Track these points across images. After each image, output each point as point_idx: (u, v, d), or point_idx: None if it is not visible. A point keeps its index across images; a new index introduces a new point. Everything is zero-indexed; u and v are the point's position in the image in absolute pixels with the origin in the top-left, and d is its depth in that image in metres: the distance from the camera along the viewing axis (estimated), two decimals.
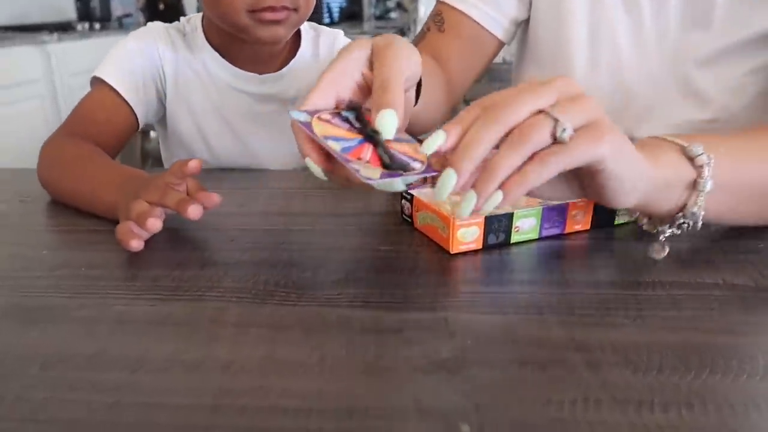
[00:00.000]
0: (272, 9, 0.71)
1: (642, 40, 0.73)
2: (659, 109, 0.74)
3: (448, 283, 0.47)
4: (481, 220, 0.52)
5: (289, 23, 0.74)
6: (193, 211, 0.51)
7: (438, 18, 0.79)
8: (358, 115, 0.47)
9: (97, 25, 3.29)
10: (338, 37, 0.90)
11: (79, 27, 3.20)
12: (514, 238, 0.54)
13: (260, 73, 0.83)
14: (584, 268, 0.49)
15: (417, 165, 0.44)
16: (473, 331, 0.40)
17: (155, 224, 0.50)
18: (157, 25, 0.83)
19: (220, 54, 0.83)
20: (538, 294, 0.45)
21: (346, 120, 0.46)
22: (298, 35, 0.87)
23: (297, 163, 0.85)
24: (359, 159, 0.43)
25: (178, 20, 0.86)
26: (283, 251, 0.53)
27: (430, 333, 0.40)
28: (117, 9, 3.52)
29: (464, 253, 0.52)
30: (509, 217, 0.53)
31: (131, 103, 0.77)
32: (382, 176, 0.42)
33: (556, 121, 0.39)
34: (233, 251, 0.53)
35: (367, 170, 0.42)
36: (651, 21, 0.72)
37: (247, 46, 0.79)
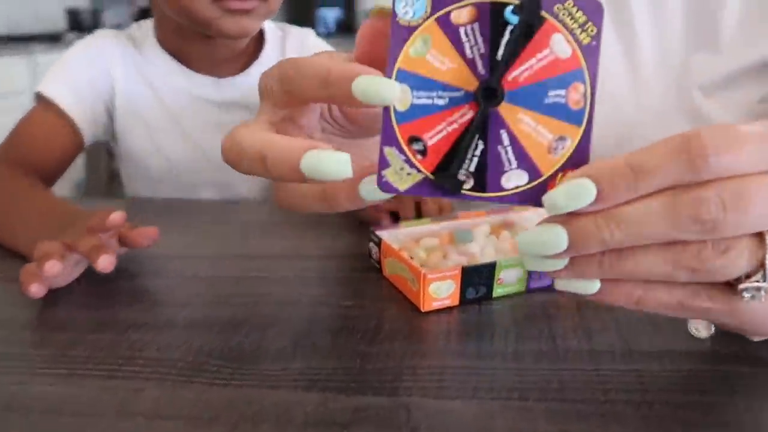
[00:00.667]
0: None
1: (640, 67, 0.66)
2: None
3: (415, 354, 0.39)
4: (457, 271, 0.44)
5: (257, 15, 0.68)
6: (103, 263, 0.44)
7: None
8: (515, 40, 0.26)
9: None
10: (308, 36, 0.82)
11: (69, 37, 3.14)
12: (497, 292, 0.46)
13: (220, 77, 0.75)
14: (580, 332, 0.41)
15: (519, 177, 0.27)
16: (440, 424, 0.32)
17: (53, 267, 0.42)
18: (105, 34, 0.76)
19: (176, 58, 0.75)
20: (522, 370, 0.37)
21: (474, 37, 0.27)
22: (261, 34, 0.79)
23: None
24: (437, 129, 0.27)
25: None
26: (227, 307, 0.45)
27: (386, 428, 0.32)
28: (108, 19, 3.46)
29: (438, 311, 0.44)
30: (491, 267, 0.45)
31: (76, 120, 0.70)
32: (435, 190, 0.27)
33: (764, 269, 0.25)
34: (168, 306, 0.45)
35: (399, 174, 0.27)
36: (650, 46, 0.65)
37: (204, 45, 0.73)
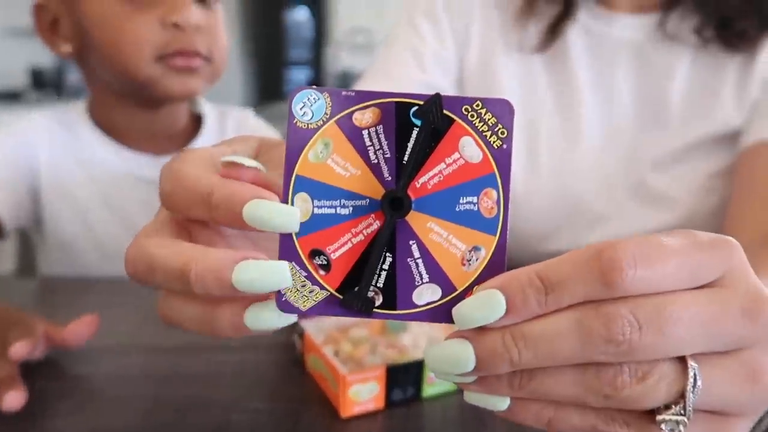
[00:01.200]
0: (184, 54, 0.63)
1: (588, 143, 0.65)
2: (614, 215, 0.65)
3: None
4: (381, 371, 0.40)
5: (202, 76, 0.66)
6: (10, 402, 0.39)
7: None
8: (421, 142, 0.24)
9: (50, 94, 3.20)
10: (248, 117, 0.80)
11: (31, 96, 3.11)
12: (427, 392, 0.42)
13: (157, 153, 0.72)
14: None
15: (432, 293, 0.24)
16: None
17: None
18: (30, 117, 0.72)
19: (112, 137, 0.71)
20: None
21: (379, 140, 0.24)
22: (199, 116, 0.77)
23: None
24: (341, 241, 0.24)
25: None
26: (123, 414, 0.40)
27: None
28: (71, 79, 3.44)
29: (360, 417, 0.40)
30: (419, 365, 0.41)
31: None
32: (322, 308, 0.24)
33: (684, 396, 0.22)
34: (52, 417, 0.40)
35: (297, 294, 0.24)
36: (599, 124, 0.64)
37: (143, 118, 0.70)
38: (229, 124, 0.78)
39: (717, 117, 0.60)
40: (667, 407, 0.22)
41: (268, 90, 4.86)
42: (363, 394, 0.40)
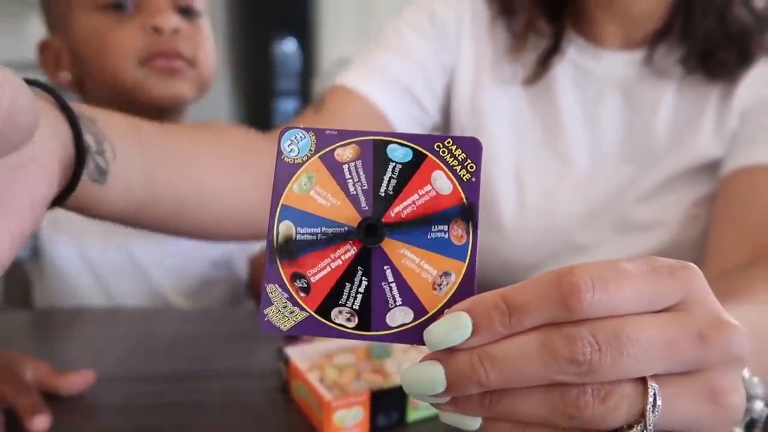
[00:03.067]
0: (165, 56, 0.65)
1: (574, 177, 0.66)
2: (600, 245, 0.66)
3: None
4: (365, 396, 0.40)
5: (187, 79, 0.68)
6: (38, 425, 0.41)
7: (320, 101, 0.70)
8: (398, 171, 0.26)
9: None
10: None
11: None
12: (412, 417, 0.42)
13: None
14: None
15: (404, 315, 0.25)
16: None
17: None
18: None
19: None
20: None
21: (358, 174, 0.26)
22: None
23: (197, 282, 0.73)
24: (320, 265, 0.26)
25: None
26: None
27: None
28: None
29: None
30: (403, 391, 0.41)
31: None
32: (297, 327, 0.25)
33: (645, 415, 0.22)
34: None
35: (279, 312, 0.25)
36: (585, 157, 0.66)
37: None
38: None
39: (698, 148, 0.62)
40: (630, 427, 0.23)
41: (256, 121, 4.89)
42: (347, 420, 0.40)
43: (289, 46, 5.48)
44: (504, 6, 0.67)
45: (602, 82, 0.64)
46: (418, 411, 0.42)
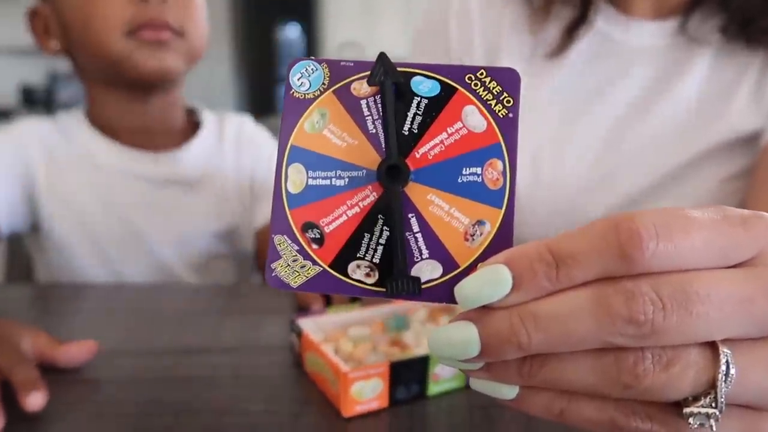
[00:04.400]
0: (153, 27, 0.63)
1: (592, 158, 0.62)
2: None
3: None
4: (384, 368, 0.38)
5: (176, 50, 0.66)
6: (32, 403, 0.38)
7: None
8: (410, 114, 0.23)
9: (40, 112, 3.18)
10: (245, 122, 0.80)
11: (21, 114, 3.08)
12: (432, 390, 0.40)
13: (155, 151, 0.71)
14: None
15: (432, 270, 0.22)
16: None
17: None
18: (24, 122, 0.72)
19: (109, 136, 0.71)
20: None
21: (378, 110, 0.23)
22: (197, 121, 0.76)
23: (201, 256, 0.71)
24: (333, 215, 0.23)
25: None
26: (114, 418, 0.38)
27: None
28: (62, 97, 3.42)
29: (363, 416, 0.38)
30: (424, 361, 0.39)
31: None
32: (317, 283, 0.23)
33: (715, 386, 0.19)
34: (45, 422, 0.38)
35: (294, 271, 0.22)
36: (603, 136, 0.62)
37: (137, 109, 0.70)
38: (228, 129, 0.77)
39: (730, 122, 0.58)
40: (696, 399, 0.20)
41: (260, 105, 4.86)
42: (366, 393, 0.38)
43: (292, 31, 5.43)
44: None
45: (630, 53, 0.61)
46: (439, 384, 0.40)
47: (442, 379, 0.40)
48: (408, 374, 0.39)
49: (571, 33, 0.61)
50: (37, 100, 3.38)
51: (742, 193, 0.59)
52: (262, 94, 5.19)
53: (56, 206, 0.70)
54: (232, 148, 0.76)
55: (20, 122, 0.72)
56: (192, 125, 0.76)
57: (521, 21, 0.64)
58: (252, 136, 0.79)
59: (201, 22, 0.68)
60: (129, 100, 0.69)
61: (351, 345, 0.43)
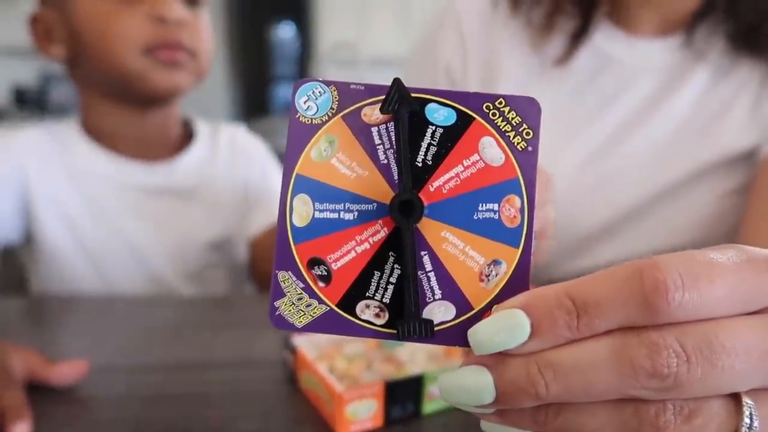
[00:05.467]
0: (169, 47, 0.64)
1: (593, 177, 0.62)
2: (618, 242, 0.62)
3: None
4: (378, 387, 0.38)
5: (187, 70, 0.67)
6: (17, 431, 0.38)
7: None
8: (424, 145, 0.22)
9: (33, 112, 3.16)
10: (239, 132, 0.80)
11: (14, 115, 3.06)
12: (427, 409, 0.40)
13: (149, 161, 0.71)
14: None
15: (445, 311, 0.21)
16: None
17: None
18: (20, 133, 0.71)
19: (104, 145, 0.70)
20: None
21: (390, 139, 0.22)
22: (191, 131, 0.76)
23: (195, 266, 0.71)
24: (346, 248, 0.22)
25: None
26: None
27: None
28: (55, 98, 3.40)
29: None
30: (418, 380, 0.39)
31: None
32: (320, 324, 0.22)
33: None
34: None
35: (296, 311, 0.22)
36: (604, 154, 0.62)
37: (135, 121, 0.70)
38: (222, 139, 0.77)
39: (726, 138, 0.58)
40: None
41: (254, 105, 4.85)
42: (360, 413, 0.38)
43: (286, 31, 5.41)
44: None
45: (632, 71, 0.61)
46: (433, 403, 0.40)
47: (437, 397, 0.40)
48: (403, 393, 0.39)
49: (576, 39, 0.61)
50: (30, 101, 3.36)
51: (741, 208, 0.59)
52: (256, 94, 5.17)
53: (50, 216, 0.69)
54: (226, 157, 0.76)
55: (15, 132, 0.71)
56: (186, 135, 0.76)
57: (522, 38, 0.64)
58: (245, 146, 0.78)
59: (209, 41, 0.70)
60: (129, 111, 0.69)
61: (346, 363, 0.43)
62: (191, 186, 0.72)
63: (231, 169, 0.75)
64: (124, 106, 0.69)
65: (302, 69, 4.95)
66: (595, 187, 0.62)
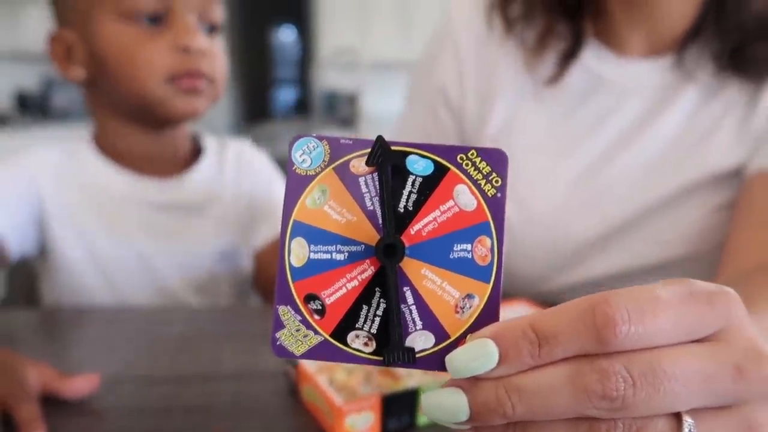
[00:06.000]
0: (191, 76, 0.67)
1: (585, 192, 0.64)
2: (608, 257, 0.64)
3: None
4: (374, 401, 0.40)
5: (206, 95, 0.70)
6: None
7: None
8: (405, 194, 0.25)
9: (36, 117, 3.19)
10: (245, 147, 0.82)
11: (17, 121, 3.08)
12: (422, 420, 0.42)
13: (160, 177, 0.73)
14: None
15: (425, 340, 0.24)
16: None
17: None
18: (35, 152, 0.74)
19: (116, 162, 0.73)
20: None
21: (375, 187, 0.25)
22: (199, 145, 0.79)
23: (203, 277, 0.73)
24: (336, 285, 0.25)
25: None
26: None
27: None
28: (57, 102, 3.42)
29: None
30: (414, 394, 0.41)
31: (4, 237, 0.66)
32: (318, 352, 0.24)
33: None
34: None
35: (292, 337, 0.24)
36: (595, 171, 0.64)
37: (147, 141, 0.73)
38: (229, 154, 0.80)
39: (713, 157, 0.60)
40: None
41: (255, 109, 4.88)
42: (358, 425, 0.40)
43: (287, 34, 5.44)
44: (525, 9, 0.65)
45: (623, 90, 0.63)
46: None
47: None
48: (399, 406, 0.41)
49: (566, 59, 0.63)
50: (32, 106, 3.38)
51: (729, 222, 0.61)
52: (258, 98, 5.21)
53: (64, 231, 0.71)
54: (233, 173, 0.78)
55: (31, 151, 0.74)
56: (194, 150, 0.79)
57: (516, 59, 0.66)
58: (251, 161, 0.81)
59: (224, 68, 0.72)
60: (143, 131, 0.72)
61: (345, 374, 0.45)
62: (200, 200, 0.75)
63: (237, 183, 0.78)
64: (139, 126, 0.72)
65: (303, 72, 4.98)
66: (588, 202, 0.64)
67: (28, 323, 0.63)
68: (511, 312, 0.53)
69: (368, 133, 3.24)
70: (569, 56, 0.63)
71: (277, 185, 0.81)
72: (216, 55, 0.70)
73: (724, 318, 0.22)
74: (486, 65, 0.68)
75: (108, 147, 0.74)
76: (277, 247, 0.80)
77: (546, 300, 0.57)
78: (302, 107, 4.47)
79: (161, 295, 0.73)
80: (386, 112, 3.75)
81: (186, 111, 0.69)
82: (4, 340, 0.57)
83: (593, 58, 0.64)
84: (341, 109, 4.04)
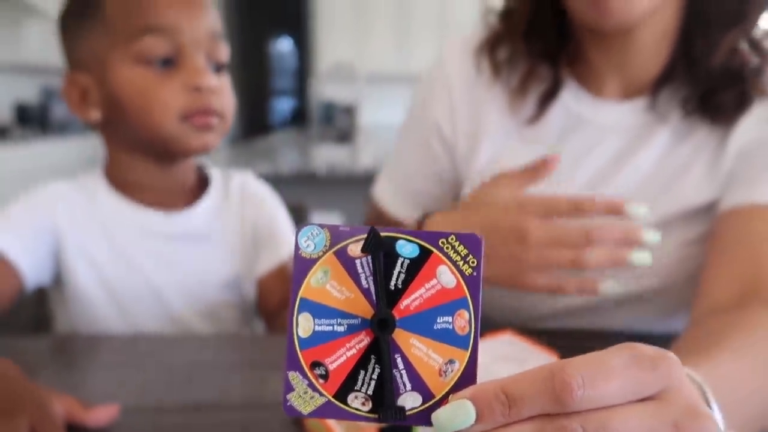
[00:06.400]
0: (203, 114, 0.71)
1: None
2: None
3: None
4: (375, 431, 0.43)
5: (217, 131, 0.74)
6: None
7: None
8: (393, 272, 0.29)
9: (35, 130, 3.21)
10: (248, 178, 0.86)
11: (17, 132, 3.11)
12: None
13: (168, 209, 0.77)
14: None
15: (414, 399, 0.28)
16: None
17: None
18: (51, 186, 0.79)
19: (126, 194, 0.77)
20: None
21: (369, 269, 0.29)
22: (205, 176, 0.83)
23: (210, 305, 0.77)
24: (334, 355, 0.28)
25: None
26: None
27: None
28: (56, 114, 3.45)
29: None
30: (410, 427, 0.45)
31: (22, 268, 0.71)
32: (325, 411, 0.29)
33: None
34: None
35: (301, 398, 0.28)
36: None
37: (157, 175, 0.77)
38: (233, 186, 0.84)
39: (684, 194, 0.64)
40: None
41: (253, 120, 4.92)
42: None
43: (285, 45, 5.49)
44: (510, 54, 0.69)
45: (601, 130, 0.67)
46: None
47: None
48: None
49: (546, 99, 0.68)
50: (32, 118, 3.40)
51: (701, 255, 0.64)
52: (256, 108, 5.25)
53: (78, 262, 0.75)
54: (237, 203, 0.82)
55: (47, 185, 0.78)
56: (200, 180, 0.83)
57: (502, 101, 0.70)
58: (255, 192, 0.85)
59: (232, 102, 0.77)
60: (154, 165, 0.76)
61: None
62: (206, 230, 0.79)
63: (241, 213, 0.82)
64: (150, 160, 0.76)
65: (301, 83, 5.03)
66: None
67: (43, 351, 0.67)
68: (500, 343, 0.57)
69: (365, 145, 3.28)
70: (549, 97, 0.67)
71: (279, 214, 0.85)
72: (225, 92, 0.75)
73: (666, 380, 0.26)
74: (475, 107, 0.72)
75: (120, 181, 0.78)
76: (279, 275, 0.83)
77: (529, 328, 0.61)
78: (300, 118, 4.51)
79: (171, 323, 0.77)
80: (383, 123, 3.80)
81: (199, 146, 0.73)
82: (21, 368, 0.60)
83: (572, 99, 0.68)
84: (339, 120, 4.08)
